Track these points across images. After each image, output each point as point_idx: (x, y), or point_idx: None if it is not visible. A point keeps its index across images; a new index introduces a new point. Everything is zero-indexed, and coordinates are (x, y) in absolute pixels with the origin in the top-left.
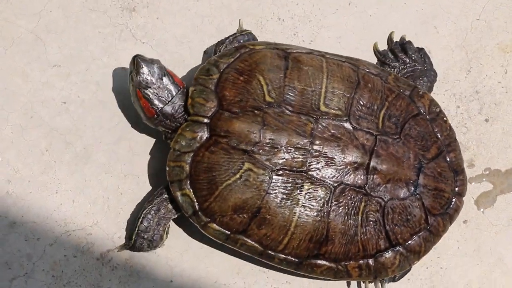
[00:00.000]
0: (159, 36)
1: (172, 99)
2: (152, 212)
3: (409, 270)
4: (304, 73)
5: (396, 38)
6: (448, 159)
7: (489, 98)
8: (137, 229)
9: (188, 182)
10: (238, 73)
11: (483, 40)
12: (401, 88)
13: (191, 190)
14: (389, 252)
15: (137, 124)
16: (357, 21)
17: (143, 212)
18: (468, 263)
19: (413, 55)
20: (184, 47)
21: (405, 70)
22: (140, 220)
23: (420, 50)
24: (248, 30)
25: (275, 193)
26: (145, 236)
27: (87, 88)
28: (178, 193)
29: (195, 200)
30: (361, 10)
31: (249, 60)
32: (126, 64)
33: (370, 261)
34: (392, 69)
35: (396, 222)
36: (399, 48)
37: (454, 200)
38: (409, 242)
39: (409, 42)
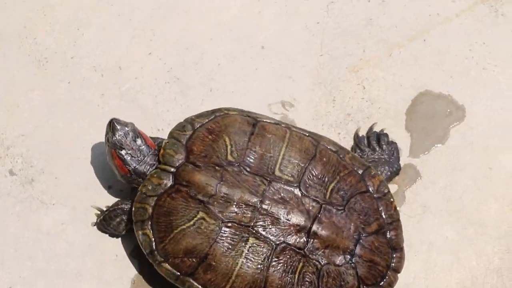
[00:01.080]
0: (66, 193)
1: (144, 159)
2: (120, 209)
3: None
4: (266, 140)
5: (377, 129)
6: (388, 236)
7: (360, 115)
8: (104, 214)
9: (149, 223)
10: (208, 132)
11: (333, 69)
12: (355, 166)
13: (151, 231)
14: None
15: None
16: None
17: (115, 205)
18: (407, 260)
19: (384, 146)
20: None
21: (373, 156)
22: (110, 210)
23: (392, 144)
24: None
25: (222, 242)
26: (108, 224)
27: None
28: (140, 232)
29: (153, 240)
30: None
31: (220, 122)
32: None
33: None
34: (362, 153)
35: (330, 286)
36: (374, 137)
37: (388, 274)
38: None
39: (386, 134)
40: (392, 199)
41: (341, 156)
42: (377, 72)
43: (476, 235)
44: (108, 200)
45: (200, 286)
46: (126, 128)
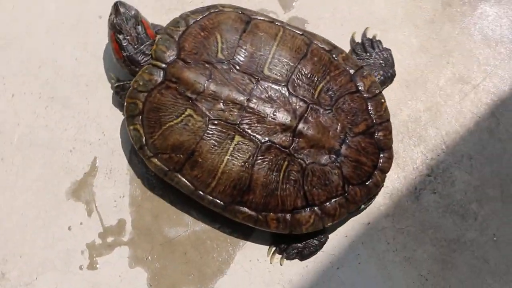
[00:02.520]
0: None
1: (141, 47)
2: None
3: (322, 245)
4: (258, 38)
5: (370, 35)
6: (376, 136)
7: None
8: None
9: (140, 118)
10: (201, 29)
11: None
12: (347, 66)
13: (141, 126)
14: (306, 210)
15: None
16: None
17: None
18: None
19: (379, 52)
20: None
21: (368, 61)
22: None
23: (387, 50)
24: None
25: (209, 140)
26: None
27: None
28: (131, 127)
29: (143, 135)
30: None
31: (214, 19)
32: None
33: (287, 216)
34: (358, 57)
35: (315, 184)
36: (370, 43)
37: (375, 174)
38: (325, 204)
39: (379, 41)
40: (383, 100)
41: (334, 55)
42: None
43: None
44: None
45: (187, 182)
46: (129, 13)
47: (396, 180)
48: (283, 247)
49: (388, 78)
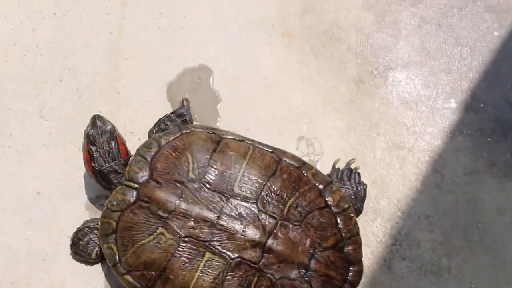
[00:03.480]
0: None
1: (111, 164)
2: (87, 228)
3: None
4: (228, 157)
5: (353, 166)
6: (345, 250)
7: None
8: (73, 237)
9: (114, 236)
10: (173, 149)
11: None
12: (316, 182)
13: (115, 245)
14: None
15: None
16: None
17: (82, 225)
18: None
19: (354, 183)
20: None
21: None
22: (77, 231)
23: (363, 184)
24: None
25: (180, 257)
26: (78, 247)
27: None
28: (105, 246)
29: (117, 253)
30: None
31: (185, 139)
32: None
33: None
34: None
35: None
36: (348, 173)
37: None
38: None
39: (358, 173)
40: (352, 214)
41: (303, 172)
42: None
43: None
44: None
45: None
46: (105, 127)
47: (364, 257)
48: None
49: (354, 210)
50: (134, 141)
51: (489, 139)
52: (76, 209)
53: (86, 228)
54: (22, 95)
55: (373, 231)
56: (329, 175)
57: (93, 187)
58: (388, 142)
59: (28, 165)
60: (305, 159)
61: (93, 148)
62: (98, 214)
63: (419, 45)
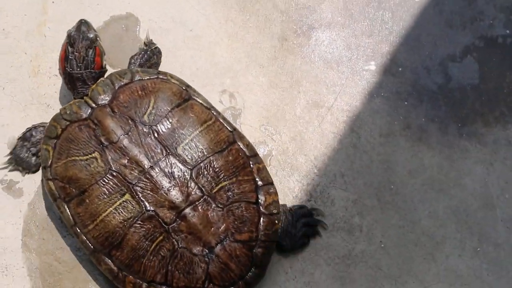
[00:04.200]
0: None
1: (82, 70)
2: (38, 130)
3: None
4: (187, 117)
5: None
6: (254, 251)
7: None
8: (21, 135)
9: (54, 141)
10: (141, 88)
11: None
12: (258, 177)
13: (53, 149)
14: (162, 286)
15: None
16: None
17: (32, 127)
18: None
19: (300, 231)
20: None
21: (286, 224)
22: (28, 130)
23: (306, 242)
24: (155, 45)
25: (102, 186)
26: (31, 139)
27: None
28: (44, 146)
29: (50, 158)
30: None
31: (157, 84)
32: None
33: (144, 285)
34: (285, 214)
35: (179, 268)
36: (306, 221)
37: (239, 284)
38: None
39: (314, 232)
40: (277, 221)
41: (251, 162)
42: None
43: None
44: None
45: (70, 215)
46: (87, 34)
47: None
48: None
49: (285, 246)
50: (58, 84)
51: (406, 103)
52: None
53: (41, 128)
54: None
55: (290, 186)
56: (294, 206)
57: (17, 127)
58: (309, 100)
59: None
60: (227, 112)
61: (70, 50)
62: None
63: (343, 6)
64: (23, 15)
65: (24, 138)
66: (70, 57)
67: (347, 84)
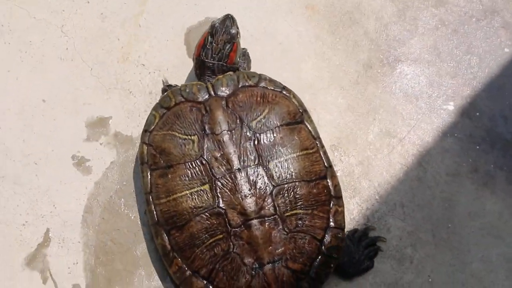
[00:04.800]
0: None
1: (215, 60)
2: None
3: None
4: (291, 138)
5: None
6: (300, 284)
7: None
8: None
9: (164, 111)
10: (262, 95)
11: None
12: (333, 219)
13: (160, 117)
14: (202, 281)
15: None
16: None
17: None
18: None
19: (364, 254)
20: None
21: (350, 250)
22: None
23: (371, 262)
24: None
25: (187, 169)
26: None
27: None
28: (153, 112)
29: (154, 124)
30: None
31: (277, 97)
32: None
33: (187, 273)
34: (348, 240)
35: (225, 270)
36: (368, 242)
37: None
38: None
39: (376, 251)
40: (332, 266)
41: (332, 203)
42: None
43: None
44: None
45: (148, 182)
46: (231, 30)
47: None
48: None
49: (346, 273)
50: (144, 73)
51: (477, 147)
52: (77, 124)
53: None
54: (49, 7)
55: (349, 208)
56: (351, 234)
57: (98, 108)
58: (382, 129)
59: (40, 73)
60: None
61: (210, 39)
62: (95, 135)
63: (432, 45)
64: (122, 3)
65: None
66: (208, 46)
67: (423, 119)
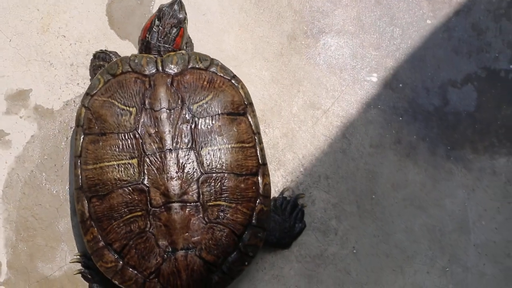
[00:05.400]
0: None
1: (161, 44)
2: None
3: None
4: (229, 128)
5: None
6: (211, 276)
7: None
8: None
9: (110, 78)
10: (209, 80)
11: None
12: (255, 217)
13: (104, 83)
14: (112, 254)
15: None
16: None
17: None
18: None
19: (293, 219)
20: None
21: (278, 217)
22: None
23: (303, 223)
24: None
25: (119, 140)
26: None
27: None
28: (99, 76)
29: (97, 89)
30: None
31: (224, 84)
32: None
33: (100, 243)
34: (274, 208)
35: (138, 248)
36: (292, 205)
37: None
38: (128, 268)
39: (303, 211)
40: (247, 263)
41: (258, 201)
42: None
43: None
44: None
45: (79, 146)
46: (179, 14)
47: None
48: None
49: (277, 244)
50: (65, 45)
51: (400, 118)
52: None
53: (103, 54)
54: None
55: (274, 180)
56: (275, 200)
57: (17, 80)
58: (306, 101)
59: None
60: None
61: (157, 23)
62: (15, 108)
63: (356, 16)
64: None
65: (94, 57)
66: (154, 29)
67: (346, 91)
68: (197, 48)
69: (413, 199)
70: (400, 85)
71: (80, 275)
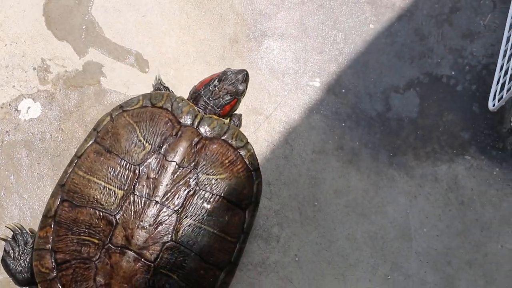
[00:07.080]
0: None
1: (210, 103)
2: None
3: None
4: (221, 214)
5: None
6: None
7: None
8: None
9: (149, 103)
10: (231, 161)
11: None
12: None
13: (141, 107)
14: (53, 263)
15: None
16: None
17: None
18: None
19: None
20: None
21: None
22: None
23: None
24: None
25: (119, 165)
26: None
27: None
28: (141, 97)
29: (134, 107)
30: None
31: (235, 167)
32: None
33: (48, 246)
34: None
35: (76, 272)
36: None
37: None
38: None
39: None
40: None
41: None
42: None
43: None
44: None
45: (85, 149)
46: (239, 85)
47: None
48: None
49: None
50: (0, 46)
51: (343, 124)
52: None
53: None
54: None
55: None
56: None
57: None
58: (248, 105)
59: None
60: None
61: (216, 83)
62: None
63: (298, 19)
64: None
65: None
66: (210, 87)
67: (289, 96)
68: (137, 51)
69: (355, 206)
70: (343, 90)
71: None
